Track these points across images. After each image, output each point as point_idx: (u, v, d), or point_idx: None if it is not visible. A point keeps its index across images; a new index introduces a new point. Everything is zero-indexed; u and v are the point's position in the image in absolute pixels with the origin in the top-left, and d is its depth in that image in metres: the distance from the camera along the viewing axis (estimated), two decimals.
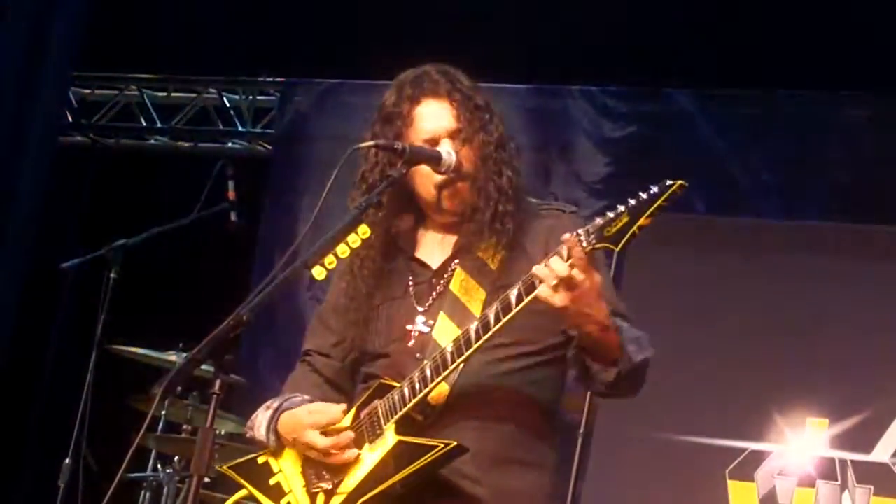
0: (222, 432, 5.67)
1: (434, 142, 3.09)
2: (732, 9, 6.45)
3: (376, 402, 3.02)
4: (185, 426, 5.93)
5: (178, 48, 7.69)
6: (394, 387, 3.01)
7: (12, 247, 7.35)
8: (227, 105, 8.04)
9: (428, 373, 2.94)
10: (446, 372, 2.93)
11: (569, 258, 2.77)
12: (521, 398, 3.06)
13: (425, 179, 3.10)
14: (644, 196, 2.76)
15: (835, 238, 6.21)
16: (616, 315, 2.96)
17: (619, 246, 2.77)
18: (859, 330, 5.95)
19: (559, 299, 2.78)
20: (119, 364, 5.98)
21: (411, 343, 3.08)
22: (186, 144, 8.26)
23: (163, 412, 5.91)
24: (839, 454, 5.87)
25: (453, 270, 3.12)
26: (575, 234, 2.79)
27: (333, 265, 2.94)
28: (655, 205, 2.74)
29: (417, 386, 2.95)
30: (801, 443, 5.97)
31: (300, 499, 3.09)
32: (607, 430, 6.10)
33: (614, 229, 2.76)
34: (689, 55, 6.51)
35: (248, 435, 3.21)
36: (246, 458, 3.22)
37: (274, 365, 6.68)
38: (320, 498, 3.05)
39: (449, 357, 2.92)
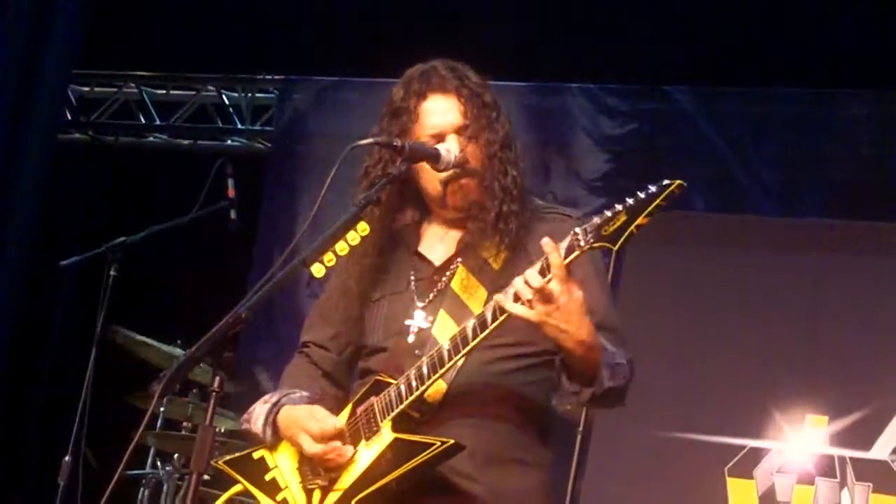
0: (222, 430, 5.68)
1: (440, 137, 3.09)
2: (732, 7, 6.45)
3: (372, 399, 3.02)
4: (184, 423, 5.94)
5: (177, 46, 7.69)
6: (390, 383, 3.01)
7: (12, 244, 7.35)
8: (227, 103, 8.04)
9: (425, 370, 2.94)
10: (443, 370, 2.92)
11: (547, 270, 2.75)
12: (517, 398, 3.06)
13: (431, 175, 3.10)
14: (642, 195, 2.75)
15: (834, 235, 6.21)
16: (604, 328, 2.94)
17: (618, 245, 2.76)
18: (858, 327, 5.95)
19: (534, 314, 2.77)
20: (119, 361, 5.98)
21: (410, 339, 3.08)
22: (185, 142, 8.26)
23: (162, 409, 5.91)
24: (838, 451, 5.88)
25: (455, 268, 3.12)
26: (572, 232, 2.79)
27: (332, 263, 2.95)
28: (654, 204, 2.73)
29: (414, 383, 2.95)
30: (800, 440, 5.97)
31: (296, 495, 3.09)
32: (606, 427, 6.10)
33: (612, 228, 2.75)
34: (688, 53, 6.52)
35: (243, 427, 3.21)
36: (241, 453, 3.23)
37: (273, 363, 6.68)
38: (316, 494, 3.06)
39: (446, 355, 2.91)
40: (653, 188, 2.75)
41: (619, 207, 2.76)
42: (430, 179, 3.10)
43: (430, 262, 3.16)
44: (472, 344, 2.89)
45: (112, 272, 5.57)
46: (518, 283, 2.78)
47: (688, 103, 6.73)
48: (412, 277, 3.15)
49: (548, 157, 6.84)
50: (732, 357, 6.10)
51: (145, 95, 8.20)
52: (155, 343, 5.87)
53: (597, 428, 6.14)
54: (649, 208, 2.73)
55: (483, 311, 2.88)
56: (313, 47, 7.44)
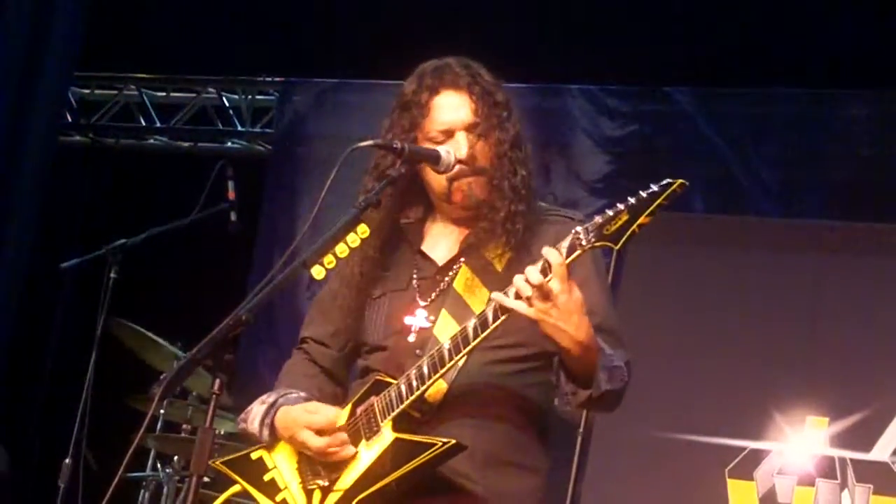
0: (221, 432, 5.67)
1: (449, 133, 3.08)
2: (732, 7, 6.45)
3: (373, 399, 3.01)
4: (184, 426, 5.93)
5: (177, 48, 7.69)
6: (390, 383, 3.00)
7: (12, 246, 7.35)
8: (227, 105, 8.04)
9: (425, 370, 2.93)
10: (443, 370, 2.92)
11: (548, 269, 2.75)
12: (518, 400, 3.06)
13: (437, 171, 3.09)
14: (644, 195, 2.74)
15: (834, 236, 6.21)
16: (603, 330, 2.94)
17: (619, 244, 2.75)
18: (859, 328, 5.95)
19: (532, 311, 2.77)
20: (119, 363, 5.98)
21: (411, 338, 3.08)
22: (186, 144, 8.26)
23: (162, 412, 5.91)
24: (839, 453, 5.87)
25: (458, 268, 3.11)
26: (573, 232, 2.79)
27: (332, 265, 2.94)
28: (655, 203, 2.73)
29: (415, 383, 2.94)
30: (800, 441, 5.96)
31: (296, 495, 3.09)
32: (606, 429, 6.09)
33: (614, 227, 2.75)
34: (688, 54, 6.52)
35: (240, 427, 3.20)
36: (239, 453, 3.21)
37: (273, 365, 6.67)
38: (316, 495, 3.05)
39: (446, 354, 2.91)
40: (655, 187, 2.74)
41: (620, 207, 2.75)
42: (436, 176, 3.10)
43: (432, 262, 3.15)
44: (472, 344, 2.88)
45: (112, 274, 5.58)
46: (518, 281, 2.78)
47: (688, 104, 6.73)
48: (414, 276, 3.14)
49: (548, 159, 6.83)
50: (733, 358, 6.10)
51: (146, 97, 8.20)
52: (157, 339, 5.86)
53: (597, 429, 6.14)
54: (651, 207, 2.73)
55: (484, 311, 2.87)
56: (313, 49, 7.44)
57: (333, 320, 3.23)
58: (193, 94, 8.12)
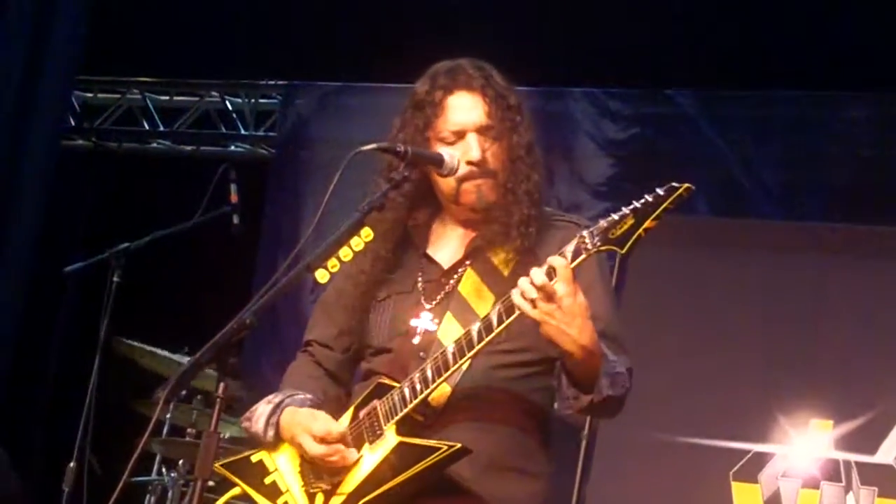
0: (226, 436, 5.68)
1: (461, 134, 3.08)
2: (733, 10, 6.45)
3: (375, 402, 3.01)
4: (189, 430, 5.93)
5: (180, 52, 7.70)
6: (392, 387, 2.99)
7: (16, 250, 7.35)
8: (230, 108, 8.05)
9: (429, 373, 2.92)
10: (447, 373, 2.91)
11: (551, 272, 2.75)
12: (521, 405, 3.05)
13: None
14: (650, 198, 2.74)
15: (837, 238, 6.21)
16: (606, 337, 2.93)
17: (625, 248, 2.74)
18: (863, 331, 5.94)
19: (536, 312, 2.76)
20: (123, 367, 5.98)
21: (416, 340, 3.07)
22: (189, 148, 8.27)
23: (167, 416, 5.91)
24: (843, 455, 5.87)
25: (463, 271, 3.11)
26: (579, 236, 2.78)
27: (336, 268, 2.94)
28: (661, 207, 2.72)
29: (418, 387, 2.94)
30: (805, 444, 5.96)
31: (298, 498, 3.08)
32: (611, 432, 6.09)
33: (619, 231, 2.74)
34: (690, 57, 6.52)
35: (243, 425, 3.20)
36: (239, 455, 3.21)
37: (277, 368, 6.67)
38: (319, 498, 3.04)
39: (450, 358, 2.90)
40: (661, 191, 2.73)
41: (626, 211, 2.75)
42: (445, 178, 3.09)
43: (438, 265, 3.15)
44: (476, 347, 2.88)
45: (115, 278, 5.58)
46: (523, 283, 2.78)
47: (690, 107, 6.73)
48: (419, 279, 3.14)
49: (551, 162, 6.83)
50: (736, 361, 6.09)
51: (149, 101, 8.21)
52: (158, 351, 5.86)
53: (601, 433, 6.13)
54: (657, 212, 2.72)
55: (489, 315, 2.87)
56: (316, 53, 7.45)
57: (337, 321, 3.23)
58: (196, 98, 8.13)
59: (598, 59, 6.67)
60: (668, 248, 6.01)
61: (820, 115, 6.47)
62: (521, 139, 3.11)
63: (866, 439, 5.83)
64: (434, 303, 3.10)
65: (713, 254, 6.39)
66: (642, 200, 2.74)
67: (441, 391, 2.98)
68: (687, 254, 6.34)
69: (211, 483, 2.81)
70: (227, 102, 8.05)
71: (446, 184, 3.10)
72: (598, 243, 2.76)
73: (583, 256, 2.78)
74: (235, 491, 3.24)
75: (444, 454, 2.88)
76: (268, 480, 3.14)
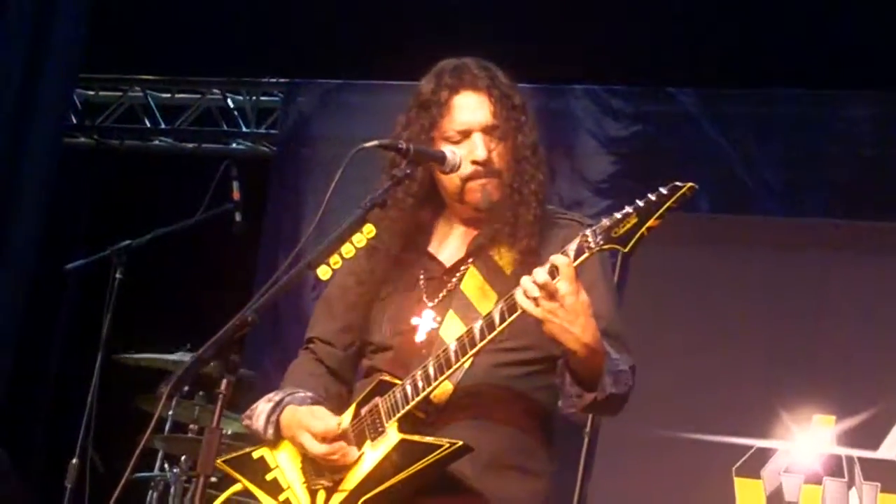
0: (229, 432, 5.68)
1: (466, 134, 3.07)
2: (735, 8, 6.45)
3: (377, 400, 3.00)
4: (191, 426, 5.94)
5: (181, 50, 7.70)
6: (394, 384, 2.99)
7: (17, 248, 7.36)
8: (231, 106, 8.06)
9: (431, 371, 2.92)
10: (449, 371, 2.91)
11: (554, 270, 2.75)
12: (523, 403, 3.05)
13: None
14: (653, 197, 2.73)
15: (838, 235, 6.21)
16: (608, 335, 2.92)
17: (628, 247, 2.73)
18: (865, 326, 5.95)
19: (539, 311, 2.76)
20: (125, 364, 5.99)
21: (418, 338, 3.07)
22: (190, 145, 8.27)
23: (169, 412, 5.92)
24: (846, 451, 5.87)
25: (466, 269, 3.10)
26: (581, 234, 2.78)
27: (338, 265, 2.94)
28: (665, 207, 2.71)
29: (420, 384, 2.93)
30: (807, 440, 5.96)
31: (299, 495, 3.08)
32: (613, 429, 6.10)
33: (622, 230, 2.74)
34: (692, 54, 6.52)
35: (244, 423, 3.20)
36: (241, 451, 3.20)
37: (279, 365, 6.67)
38: (321, 495, 3.04)
39: (452, 356, 2.90)
40: (664, 190, 2.73)
41: (629, 210, 2.74)
42: (450, 176, 3.09)
43: (440, 263, 3.14)
44: (479, 345, 2.87)
45: (117, 275, 5.58)
46: (525, 281, 2.78)
47: (692, 105, 6.73)
48: (421, 277, 3.13)
49: (553, 160, 6.81)
50: (739, 357, 6.10)
51: (150, 99, 8.21)
52: (160, 356, 5.86)
53: (604, 429, 6.14)
54: (660, 211, 2.71)
55: (491, 313, 2.86)
56: (317, 50, 7.45)
57: (339, 318, 3.22)
58: (198, 96, 8.13)
59: (599, 56, 6.67)
60: (670, 245, 6.01)
61: (821, 113, 6.48)
62: (527, 139, 3.11)
63: (869, 435, 5.84)
64: (436, 301, 3.09)
65: (715, 251, 6.39)
66: (645, 199, 2.73)
67: (443, 389, 2.97)
68: (689, 251, 6.34)
69: (213, 479, 2.80)
70: (229, 100, 8.05)
71: (451, 182, 3.09)
72: (601, 242, 2.75)
73: (585, 255, 2.77)
74: (237, 487, 3.23)
75: (446, 452, 2.88)
76: (269, 477, 3.14)
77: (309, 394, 3.15)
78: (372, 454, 2.99)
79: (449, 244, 3.17)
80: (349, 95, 7.51)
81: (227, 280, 6.92)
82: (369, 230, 2.97)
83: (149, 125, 8.26)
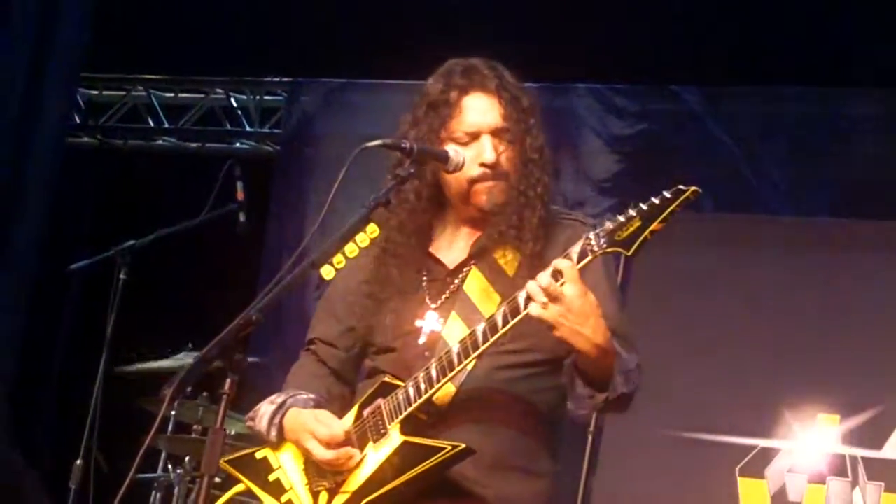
0: (232, 433, 5.68)
1: (475, 136, 3.07)
2: (740, 6, 6.44)
3: (380, 401, 3.00)
4: (195, 427, 5.94)
5: (185, 49, 7.70)
6: (397, 386, 2.99)
7: (21, 248, 7.36)
8: (235, 105, 8.06)
9: (434, 373, 2.92)
10: (452, 373, 2.91)
11: (559, 275, 2.74)
12: (525, 405, 3.04)
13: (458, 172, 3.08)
14: (656, 201, 2.73)
15: (844, 234, 6.21)
16: (615, 335, 2.91)
17: (631, 250, 2.73)
18: (870, 325, 5.94)
19: (549, 316, 2.76)
20: (128, 371, 5.99)
21: (421, 340, 3.06)
22: (194, 145, 8.27)
23: (173, 413, 5.91)
24: (850, 450, 5.86)
25: (468, 271, 3.09)
26: (585, 237, 2.78)
27: (342, 264, 2.94)
28: (668, 210, 2.71)
29: (423, 386, 2.93)
30: (811, 439, 5.96)
31: (302, 496, 3.08)
32: (617, 427, 6.09)
33: (626, 233, 2.73)
34: (696, 53, 6.51)
35: (247, 425, 3.20)
36: (244, 452, 3.21)
37: (282, 366, 6.67)
38: (323, 496, 3.04)
39: (455, 358, 2.90)
40: (668, 194, 2.72)
41: (632, 213, 2.74)
42: (456, 177, 3.08)
43: (442, 264, 3.14)
44: (482, 348, 2.87)
45: (121, 275, 5.57)
46: (531, 287, 2.77)
47: (696, 103, 6.73)
48: (424, 278, 3.13)
49: (556, 159, 6.81)
50: (743, 356, 6.09)
51: (154, 98, 8.21)
52: (163, 363, 5.86)
53: (608, 428, 6.13)
54: (664, 214, 2.71)
55: (494, 315, 2.86)
56: (320, 49, 7.44)
57: (341, 319, 3.22)
58: (201, 95, 8.14)
59: (603, 55, 6.67)
60: (674, 244, 6.00)
61: (826, 111, 6.47)
62: (535, 142, 3.10)
63: (873, 434, 5.83)
64: (439, 303, 3.09)
65: (719, 250, 6.39)
66: (649, 203, 2.73)
67: (445, 391, 2.97)
68: (693, 250, 6.33)
69: (217, 479, 2.80)
70: (233, 99, 8.05)
71: (457, 184, 3.09)
72: (605, 245, 2.75)
73: (589, 258, 2.77)
74: (239, 487, 3.23)
75: (449, 454, 2.88)
76: (272, 477, 3.14)
77: (311, 396, 3.14)
78: (374, 456, 2.99)
79: (451, 245, 3.16)
80: (353, 94, 7.51)
81: (231, 280, 6.91)
82: (373, 230, 2.96)
83: (152, 125, 8.26)
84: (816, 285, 6.12)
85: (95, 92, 8.37)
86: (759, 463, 6.00)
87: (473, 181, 3.07)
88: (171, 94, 8.23)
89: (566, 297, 2.74)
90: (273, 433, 3.12)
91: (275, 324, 6.87)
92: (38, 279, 7.39)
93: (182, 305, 7.27)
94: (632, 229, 2.73)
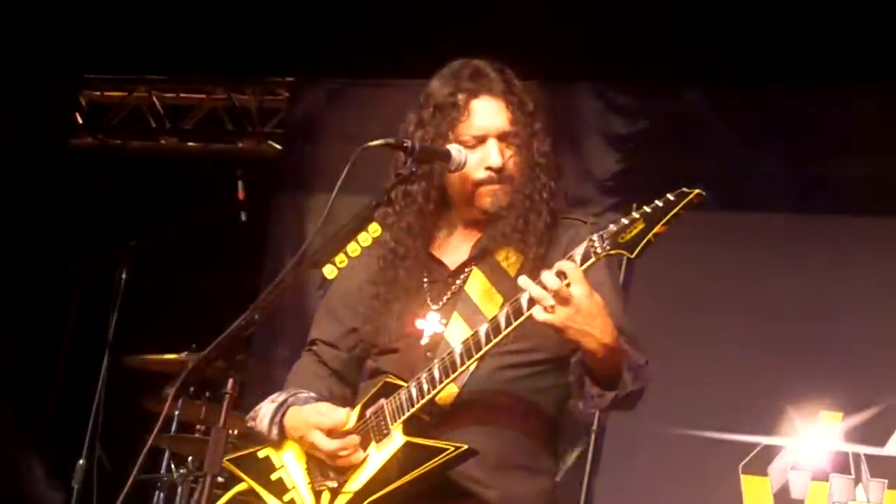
0: (235, 432, 5.68)
1: (482, 140, 3.07)
2: (741, 3, 6.44)
3: (382, 402, 3.00)
4: (198, 426, 5.94)
5: (186, 49, 7.70)
6: (399, 386, 2.99)
7: (24, 249, 7.37)
8: (237, 105, 8.05)
9: (436, 374, 2.92)
10: (455, 374, 2.91)
11: (563, 276, 2.75)
12: (527, 405, 3.04)
13: (464, 173, 3.07)
14: (660, 203, 2.73)
15: (847, 231, 6.20)
16: (622, 333, 2.91)
17: (635, 253, 2.73)
18: (872, 322, 5.94)
19: (556, 318, 2.76)
20: (132, 365, 5.99)
21: (423, 341, 3.06)
22: (196, 145, 8.27)
23: (176, 412, 5.92)
24: (853, 448, 5.86)
25: (470, 272, 3.09)
26: (588, 239, 2.78)
27: (344, 264, 2.95)
28: (672, 213, 2.71)
29: (425, 387, 2.93)
30: (814, 436, 5.96)
31: (304, 496, 3.08)
32: (620, 426, 6.09)
33: (629, 236, 2.73)
34: (698, 50, 6.50)
35: (248, 425, 3.20)
36: (246, 451, 3.21)
37: (285, 365, 6.67)
38: (325, 496, 3.04)
39: (458, 359, 2.90)
40: (671, 196, 2.73)
41: (635, 215, 2.74)
42: (460, 179, 3.08)
43: (444, 265, 3.14)
44: (485, 349, 2.87)
45: (124, 275, 5.59)
46: (536, 292, 2.77)
47: (698, 101, 6.72)
48: (425, 279, 3.13)
49: (558, 157, 6.81)
50: (745, 354, 6.09)
51: (156, 99, 8.21)
52: (168, 357, 5.86)
53: (611, 426, 6.14)
54: (667, 217, 2.71)
55: (496, 316, 2.86)
56: (323, 48, 7.44)
57: (343, 320, 3.22)
58: (203, 95, 8.13)
59: (605, 52, 6.66)
60: (677, 241, 5.96)
61: (828, 108, 6.46)
62: (542, 146, 3.11)
63: (876, 431, 5.83)
64: (441, 303, 3.09)
65: (722, 247, 6.38)
66: (652, 205, 2.73)
67: (448, 391, 2.97)
68: (695, 247, 6.32)
69: (220, 479, 2.80)
70: (234, 99, 8.05)
71: (462, 186, 3.09)
72: (608, 247, 2.75)
73: (592, 260, 2.77)
74: (241, 487, 3.23)
75: (451, 455, 2.88)
76: (274, 477, 3.14)
77: (312, 394, 3.15)
78: (377, 456, 2.99)
79: (452, 246, 3.16)
80: (355, 94, 7.51)
81: (233, 279, 6.92)
82: (375, 229, 2.97)
83: (154, 125, 8.26)
84: (818, 283, 6.11)
85: (97, 93, 8.37)
86: (761, 460, 6.00)
87: (478, 184, 3.07)
88: (173, 95, 8.22)
89: (573, 298, 2.74)
90: (275, 432, 3.12)
91: (278, 323, 6.87)
92: (40, 278, 7.40)
93: (184, 305, 7.27)
94: (635, 232, 2.73)
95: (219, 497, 3.85)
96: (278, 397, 3.16)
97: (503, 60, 3.19)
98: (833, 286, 6.09)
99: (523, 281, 2.80)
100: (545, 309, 2.76)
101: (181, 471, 5.89)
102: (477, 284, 3.07)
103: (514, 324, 2.83)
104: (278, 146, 7.93)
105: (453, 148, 3.05)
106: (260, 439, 3.18)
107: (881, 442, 5.83)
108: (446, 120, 3.08)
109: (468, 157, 3.06)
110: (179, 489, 5.86)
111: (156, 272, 6.53)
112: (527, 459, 3.04)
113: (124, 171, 8.31)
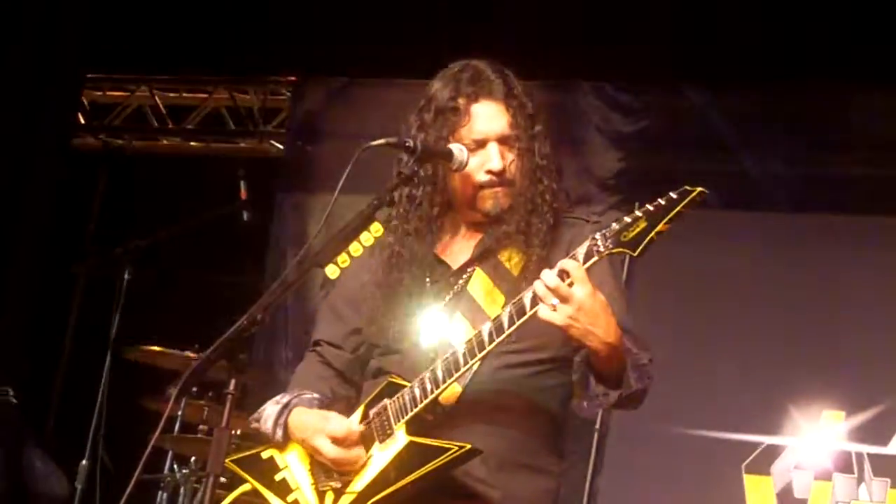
0: (238, 432, 5.68)
1: (482, 143, 3.07)
2: (744, 2, 6.43)
3: (385, 401, 3.00)
4: (200, 426, 5.94)
5: (188, 49, 7.70)
6: (403, 385, 2.98)
7: (26, 249, 7.37)
8: (239, 105, 8.05)
9: (439, 374, 2.92)
10: (458, 374, 2.91)
11: (566, 275, 2.75)
12: (532, 404, 3.04)
13: (464, 175, 3.07)
14: (662, 202, 2.73)
15: (849, 230, 6.20)
16: (626, 331, 2.91)
17: (637, 252, 2.73)
18: (875, 322, 5.94)
19: (559, 318, 2.76)
20: (134, 365, 5.99)
21: (426, 341, 3.06)
22: (198, 145, 8.27)
23: (178, 412, 5.92)
24: (856, 447, 5.86)
25: (472, 272, 3.09)
26: (591, 238, 2.78)
27: (346, 263, 2.94)
28: (674, 211, 2.71)
29: (429, 387, 2.93)
30: (817, 436, 5.96)
31: (308, 496, 3.07)
32: (623, 425, 6.09)
33: (631, 234, 2.74)
34: (699, 49, 6.50)
35: (252, 426, 3.20)
36: (250, 451, 3.20)
37: (288, 365, 6.68)
38: (329, 496, 3.04)
39: (461, 359, 2.90)
40: (674, 195, 2.73)
41: (638, 214, 2.74)
42: (462, 181, 3.08)
43: (446, 265, 3.13)
44: (488, 348, 2.87)
45: (126, 275, 5.59)
46: (539, 289, 2.77)
47: (700, 99, 6.71)
48: (428, 279, 3.13)
49: (560, 156, 6.80)
50: (748, 353, 6.09)
51: (158, 99, 8.21)
52: (171, 351, 5.86)
53: (614, 426, 6.14)
54: (670, 215, 2.71)
55: (499, 316, 2.86)
56: (325, 48, 7.44)
57: (346, 320, 3.22)
58: (205, 95, 8.13)
59: (606, 51, 6.66)
60: (679, 240, 5.96)
61: (831, 107, 6.45)
62: (543, 148, 3.11)
63: (879, 430, 5.83)
64: (444, 303, 3.08)
65: (724, 246, 6.38)
66: (655, 203, 2.73)
67: (451, 391, 2.97)
68: (698, 246, 6.32)
69: (223, 479, 2.80)
70: (236, 99, 8.05)
71: (464, 188, 3.09)
72: (611, 245, 2.75)
73: (595, 259, 2.78)
74: (245, 487, 3.23)
75: (455, 455, 2.87)
76: (278, 477, 3.13)
77: (316, 395, 3.14)
78: (380, 456, 2.99)
79: (455, 247, 3.16)
80: (357, 93, 7.50)
81: (235, 279, 6.92)
82: (377, 228, 2.96)
83: (156, 125, 8.26)
84: (820, 282, 6.11)
85: (99, 92, 8.37)
86: (764, 460, 6.00)
87: (480, 187, 3.07)
88: (175, 94, 8.22)
89: (576, 297, 2.74)
90: (279, 433, 3.11)
91: (280, 323, 6.88)
92: (43, 279, 7.39)
93: (186, 305, 7.27)
94: (638, 230, 2.73)
95: (222, 497, 3.85)
96: (282, 398, 3.16)
97: (503, 60, 3.18)
98: (834, 285, 6.09)
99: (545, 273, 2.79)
100: (548, 307, 2.76)
101: (184, 471, 5.89)
102: (480, 284, 3.07)
103: (517, 323, 2.83)
104: (280, 146, 7.93)
105: (455, 147, 3.05)
106: (264, 440, 3.17)
107: (884, 441, 5.83)
108: (447, 123, 3.07)
109: (469, 158, 3.06)
110: (182, 490, 5.87)
111: (158, 272, 6.52)
112: (530, 459, 3.04)
113: (126, 170, 8.31)
